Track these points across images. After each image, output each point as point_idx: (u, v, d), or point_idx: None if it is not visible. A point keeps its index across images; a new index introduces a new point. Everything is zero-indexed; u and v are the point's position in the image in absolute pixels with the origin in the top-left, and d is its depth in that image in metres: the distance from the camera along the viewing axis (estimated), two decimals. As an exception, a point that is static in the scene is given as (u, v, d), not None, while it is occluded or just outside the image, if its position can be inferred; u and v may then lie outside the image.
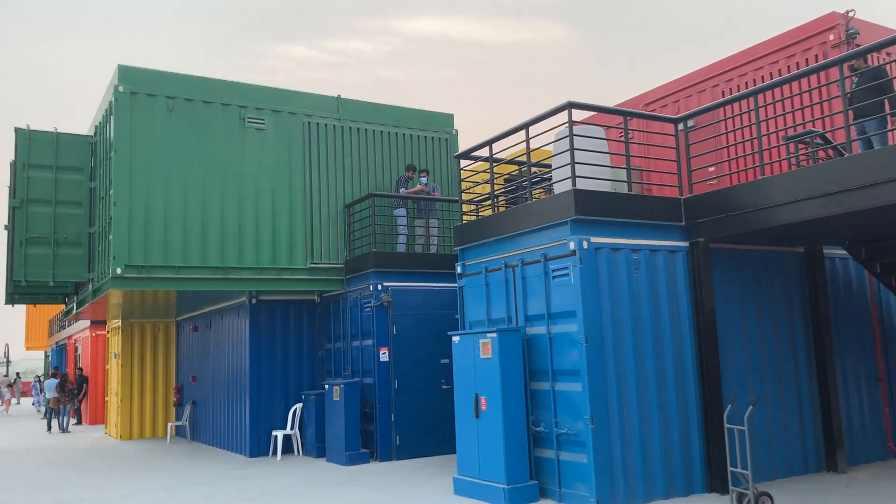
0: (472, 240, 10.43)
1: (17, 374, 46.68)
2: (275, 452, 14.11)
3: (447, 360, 13.49)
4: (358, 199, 14.10)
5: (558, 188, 9.53)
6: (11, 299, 16.52)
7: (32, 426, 25.23)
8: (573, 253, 8.59)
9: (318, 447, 13.73)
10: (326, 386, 13.38)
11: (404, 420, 12.99)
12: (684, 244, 9.40)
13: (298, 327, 15.05)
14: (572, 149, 8.77)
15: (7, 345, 52.89)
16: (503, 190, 10.92)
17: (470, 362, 9.45)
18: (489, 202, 11.75)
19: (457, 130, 15.90)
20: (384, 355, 13.02)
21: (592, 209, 8.72)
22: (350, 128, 14.63)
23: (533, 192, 11.70)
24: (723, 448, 8.94)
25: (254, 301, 14.54)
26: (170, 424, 18.23)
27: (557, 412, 8.86)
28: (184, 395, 18.94)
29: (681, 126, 9.68)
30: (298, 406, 14.34)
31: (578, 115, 9.22)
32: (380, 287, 13.17)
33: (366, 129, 14.82)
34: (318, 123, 14.25)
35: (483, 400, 9.18)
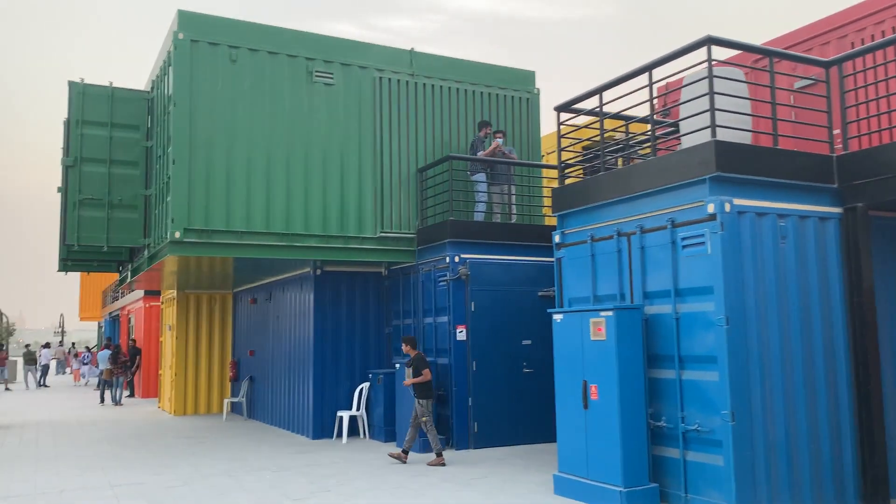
0: (574, 204, 9.10)
1: (73, 344, 46.90)
2: (339, 435, 13.09)
3: (529, 342, 12.32)
4: (433, 163, 12.85)
5: (688, 142, 8.13)
6: (64, 266, 15.75)
7: (85, 398, 24.84)
8: (712, 217, 7.21)
9: (386, 430, 12.65)
10: (397, 365, 12.25)
11: (483, 405, 11.80)
12: (836, 210, 7.92)
13: (364, 301, 13.95)
14: (712, 93, 7.35)
15: (62, 315, 53.43)
16: (613, 148, 9.54)
17: (576, 345, 8.17)
18: (587, 164, 10.40)
19: (538, 89, 14.51)
20: (461, 334, 11.83)
21: (736, 165, 7.31)
22: (424, 84, 13.35)
23: (639, 152, 10.33)
24: (883, 451, 7.53)
25: (318, 272, 13.47)
26: (226, 401, 17.40)
27: (685, 405, 7.53)
28: (240, 370, 18.08)
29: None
30: (365, 385, 13.27)
31: (715, 54, 7.76)
32: (457, 259, 11.95)
33: (440, 86, 13.52)
34: (389, 79, 13.00)
35: (593, 388, 7.90)
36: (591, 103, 9.36)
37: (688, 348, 7.53)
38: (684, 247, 7.57)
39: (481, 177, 12.97)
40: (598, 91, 8.88)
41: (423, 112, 13.29)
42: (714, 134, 7.31)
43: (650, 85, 8.14)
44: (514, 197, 13.15)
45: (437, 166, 12.89)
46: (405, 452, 10.60)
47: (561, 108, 9.57)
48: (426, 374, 10.57)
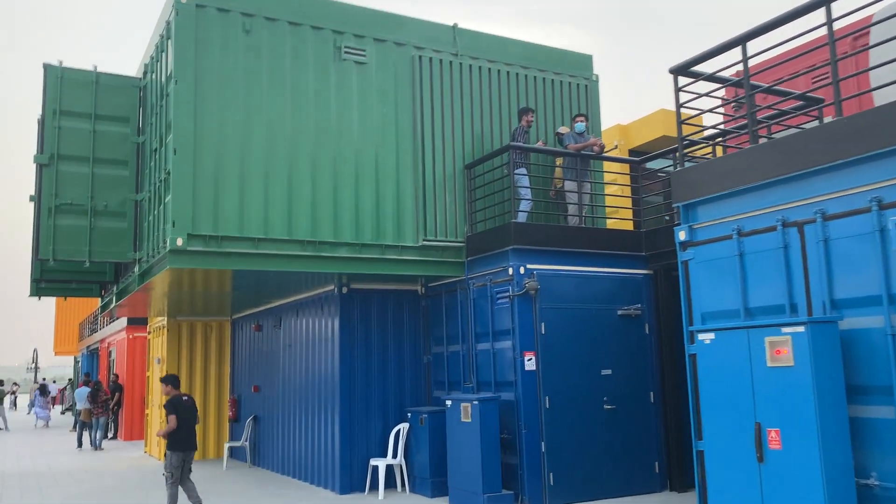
0: (709, 190, 7.00)
1: (45, 381, 43.46)
2: (373, 488, 10.75)
3: (609, 371, 10.14)
4: (486, 156, 10.77)
5: (883, 97, 6.09)
6: (37, 290, 13.40)
7: (59, 441, 22.14)
8: (954, 191, 5.13)
9: (433, 483, 10.33)
10: (448, 402, 10.00)
11: (558, 451, 9.55)
12: None
13: (398, 325, 11.70)
14: (944, 21, 5.33)
15: (35, 350, 50.40)
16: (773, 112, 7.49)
17: (741, 374, 6.00)
18: (713, 142, 8.35)
19: (597, 75, 12.51)
20: (530, 362, 9.62)
21: (984, 119, 5.26)
22: (469, 66, 11.29)
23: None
24: None
25: (344, 290, 11.22)
26: (226, 445, 14.95)
27: (911, 456, 5.38)
28: (241, 408, 15.66)
29: None
30: (403, 427, 10.97)
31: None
32: (521, 270, 9.79)
33: (488, 69, 11.46)
34: (430, 58, 10.93)
35: (774, 433, 5.73)
36: (717, 64, 7.32)
37: (914, 376, 5.40)
38: (903, 235, 5.48)
39: (523, 171, 10.89)
40: (739, 42, 6.84)
41: (470, 98, 11.21)
42: (949, 75, 5.28)
43: (829, 23, 6.10)
44: (586, 196, 11.02)
45: (488, 161, 10.82)
46: None
47: (679, 71, 7.50)
48: (171, 422, 8.72)
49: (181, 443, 8.82)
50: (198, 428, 15.98)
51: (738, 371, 6.00)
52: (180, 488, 8.88)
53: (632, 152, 14.32)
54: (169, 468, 8.72)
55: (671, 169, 12.09)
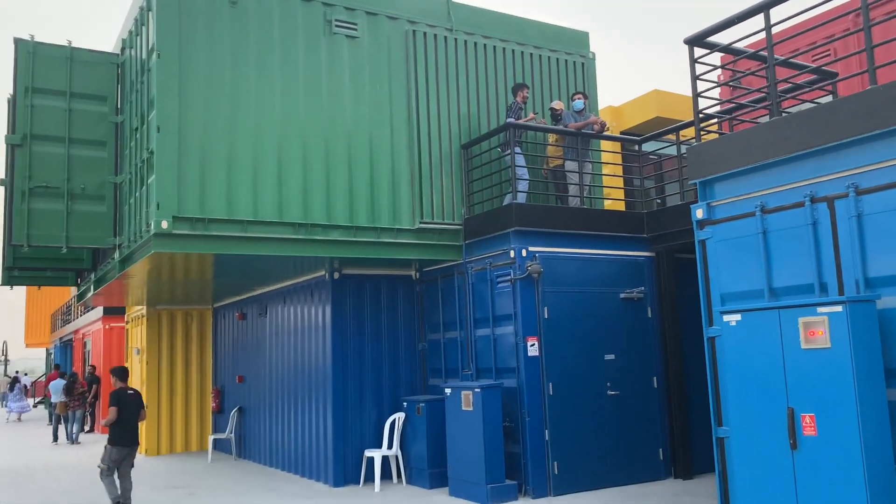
0: (730, 165, 6.67)
1: (17, 374, 42.29)
2: (368, 480, 10.38)
3: (612, 356, 9.85)
4: (484, 135, 10.38)
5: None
6: (9, 278, 12.76)
7: (34, 435, 21.46)
8: None
9: (431, 474, 10.00)
10: (448, 390, 9.64)
11: (563, 439, 9.25)
12: None
13: (392, 311, 11.30)
14: None
15: (5, 342, 49.14)
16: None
17: (772, 356, 5.69)
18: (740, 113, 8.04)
19: (594, 53, 12.16)
20: (533, 347, 9.29)
21: None
22: (464, 42, 10.87)
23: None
24: None
25: (336, 276, 10.79)
26: (210, 438, 14.45)
27: (954, 441, 5.13)
28: (225, 400, 15.17)
29: None
30: (398, 417, 10.61)
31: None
32: (524, 253, 9.44)
33: (483, 45, 11.05)
34: (424, 33, 10.50)
35: (809, 419, 5.44)
36: (731, 34, 7.00)
37: (957, 357, 5.14)
38: (945, 209, 5.20)
39: (518, 149, 10.51)
40: (762, 9, 6.51)
41: (465, 75, 10.80)
42: None
43: (862, -12, 5.79)
44: (587, 176, 10.66)
45: (485, 140, 10.43)
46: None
47: (694, 42, 7.16)
48: (111, 413, 8.49)
49: (121, 437, 8.57)
50: (180, 420, 15.70)
51: (768, 354, 5.70)
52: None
53: (624, 134, 14.03)
54: (106, 461, 8.53)
55: (664, 151, 11.83)
